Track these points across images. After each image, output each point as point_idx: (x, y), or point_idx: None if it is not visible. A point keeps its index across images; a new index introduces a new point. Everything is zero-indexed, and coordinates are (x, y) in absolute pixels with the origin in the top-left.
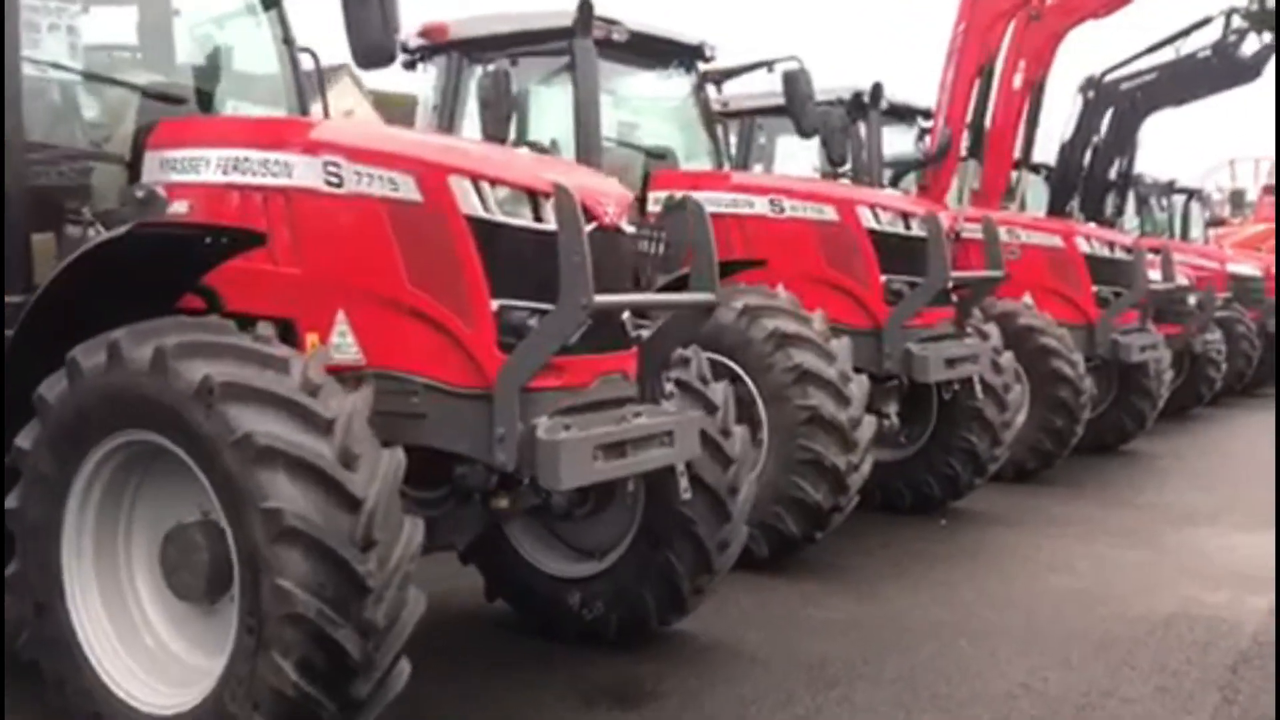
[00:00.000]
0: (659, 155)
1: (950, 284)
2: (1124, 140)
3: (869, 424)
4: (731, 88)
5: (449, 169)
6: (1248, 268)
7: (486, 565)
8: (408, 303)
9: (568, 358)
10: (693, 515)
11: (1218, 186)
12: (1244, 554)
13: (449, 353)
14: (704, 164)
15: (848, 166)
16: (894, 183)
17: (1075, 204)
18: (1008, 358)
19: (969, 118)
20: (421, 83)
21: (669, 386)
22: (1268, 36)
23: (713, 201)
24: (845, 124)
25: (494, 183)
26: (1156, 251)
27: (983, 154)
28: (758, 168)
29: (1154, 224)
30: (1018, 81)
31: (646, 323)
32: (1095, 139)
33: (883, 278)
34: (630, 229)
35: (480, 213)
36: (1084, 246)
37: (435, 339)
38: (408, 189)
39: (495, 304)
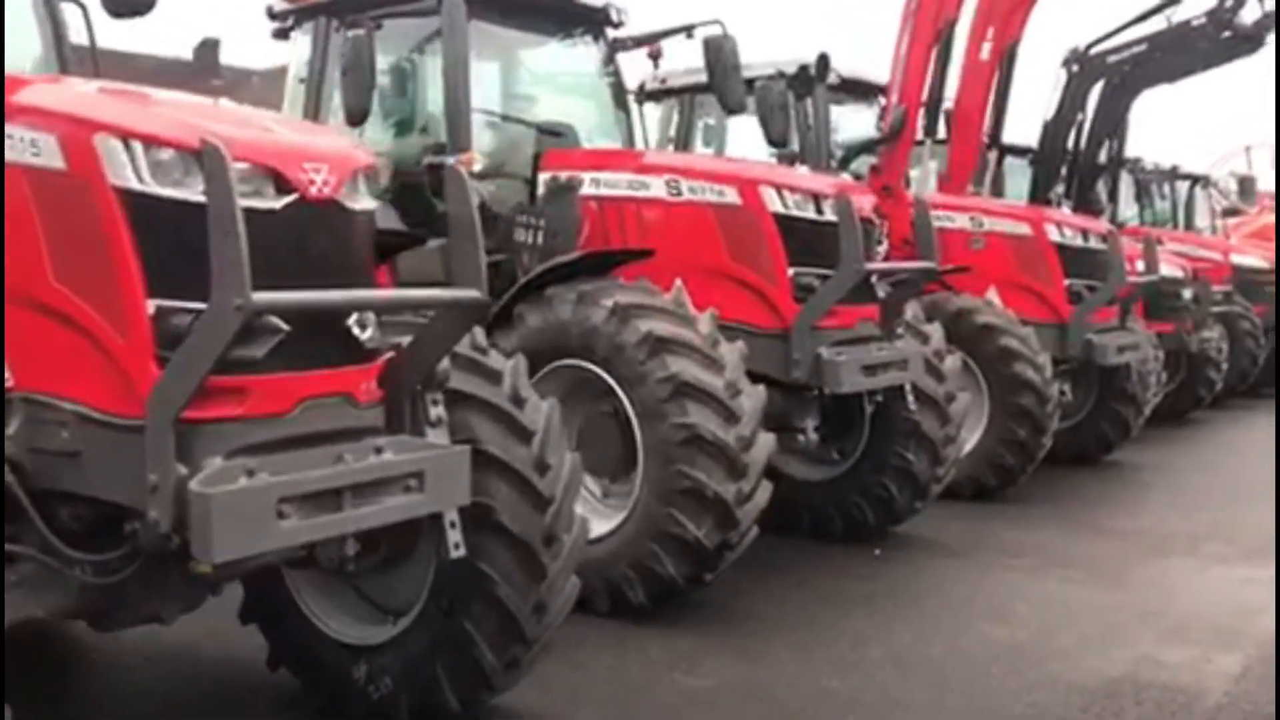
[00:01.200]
0: (554, 133)
1: (865, 276)
2: (1114, 120)
3: (764, 444)
4: (681, 62)
5: (96, 126)
6: (1253, 259)
7: (267, 626)
8: (51, 303)
9: (254, 376)
10: (492, 572)
11: (1231, 173)
12: (1220, 595)
13: (100, 369)
14: (614, 143)
15: (792, 148)
16: (844, 165)
17: (1060, 190)
18: (953, 362)
19: (926, 92)
20: (292, 54)
21: (435, 411)
22: (1270, 3)
23: (610, 183)
24: (784, 100)
25: (150, 142)
26: (1154, 243)
27: (941, 133)
28: (706, 151)
29: (1154, 212)
30: (985, 52)
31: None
32: (1080, 118)
33: (791, 271)
34: (363, 205)
35: (133, 183)
36: (1054, 235)
37: (84, 351)
38: (50, 153)
39: (152, 305)
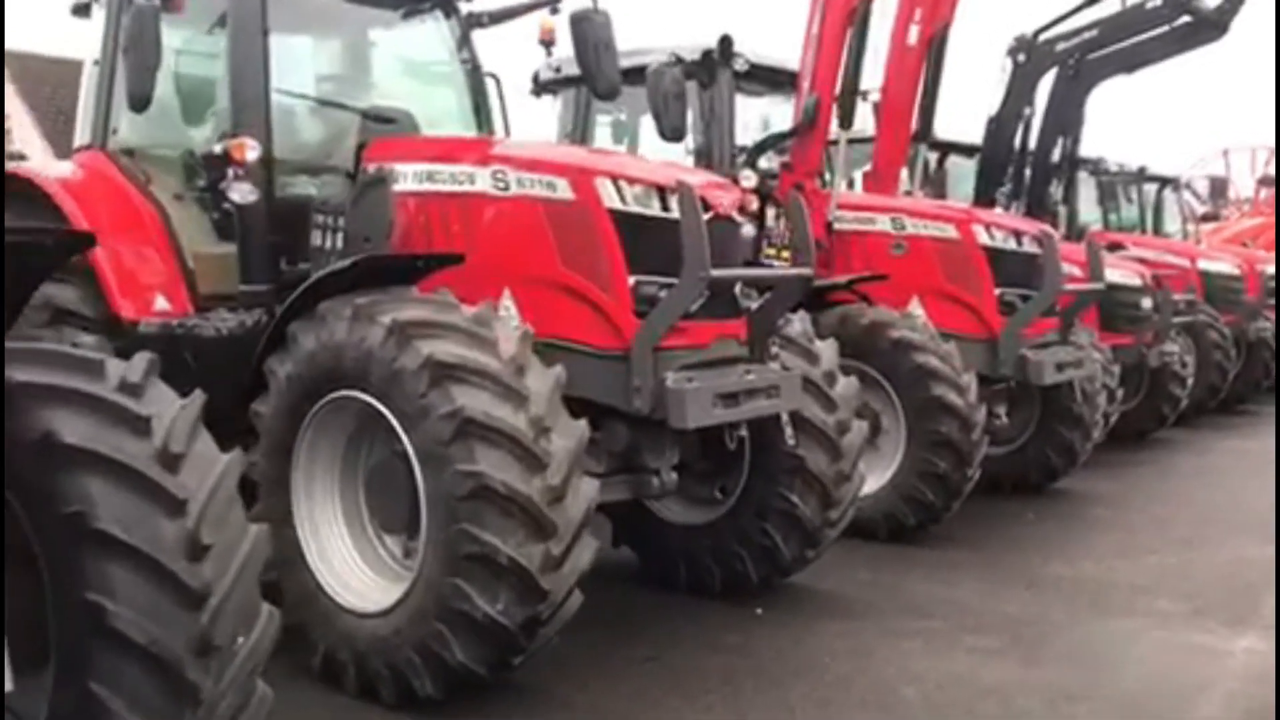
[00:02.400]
0: (385, 120)
1: (728, 285)
2: (1068, 115)
3: (583, 495)
4: None
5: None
6: (1223, 265)
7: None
8: None
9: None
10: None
11: (1204, 176)
12: (1155, 670)
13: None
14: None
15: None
16: (751, 162)
17: (1006, 191)
18: (848, 386)
19: (840, 80)
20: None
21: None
22: None
23: (433, 177)
24: (680, 89)
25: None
26: (1115, 247)
27: (852, 124)
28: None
29: (1119, 217)
30: (913, 36)
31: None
32: (1028, 112)
33: (632, 279)
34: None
35: None
36: (983, 238)
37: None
38: None
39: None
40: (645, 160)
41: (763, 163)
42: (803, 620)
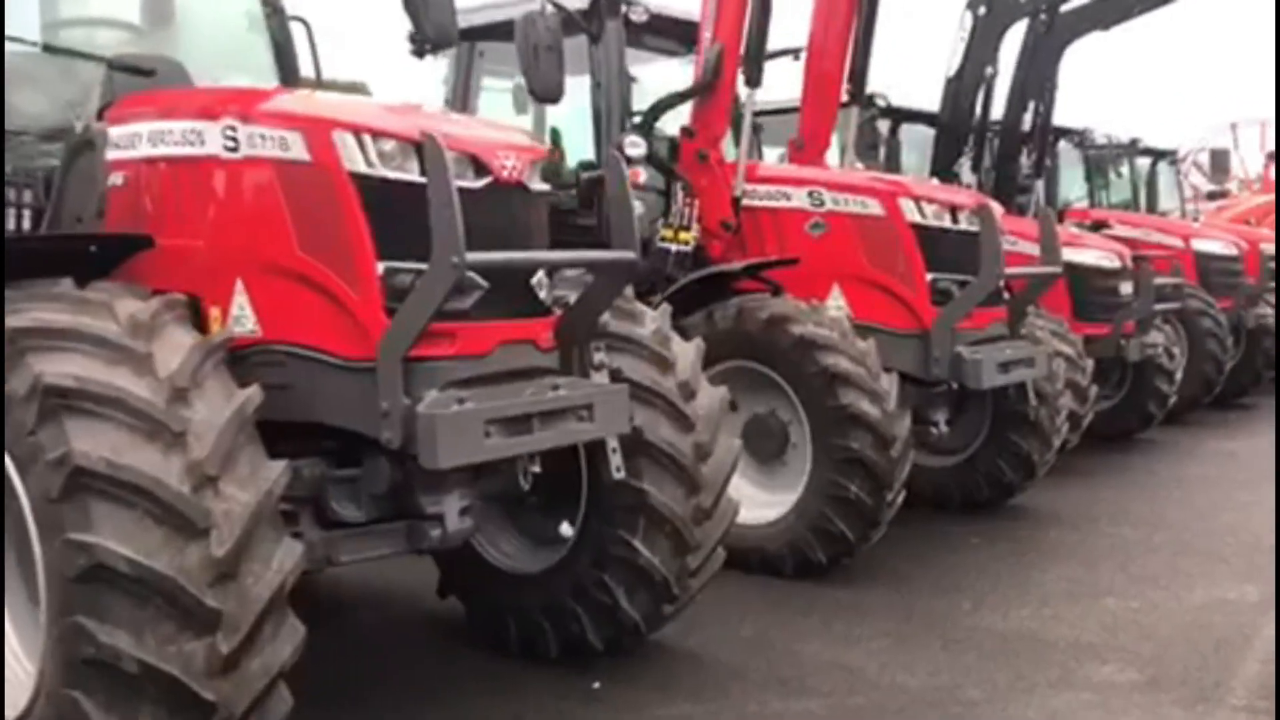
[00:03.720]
0: (140, 71)
1: (462, 270)
2: (1040, 77)
3: (274, 572)
4: None
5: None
6: (1219, 245)
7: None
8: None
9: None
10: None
11: (1204, 149)
12: None
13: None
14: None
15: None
16: (645, 127)
17: (966, 163)
18: (710, 400)
19: (747, 28)
20: None
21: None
22: None
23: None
24: (553, 39)
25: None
26: (1099, 226)
27: (760, 81)
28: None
29: (1107, 193)
30: None
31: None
32: (990, 72)
33: (381, 265)
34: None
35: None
36: (912, 214)
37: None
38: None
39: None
40: (413, 109)
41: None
42: (647, 699)
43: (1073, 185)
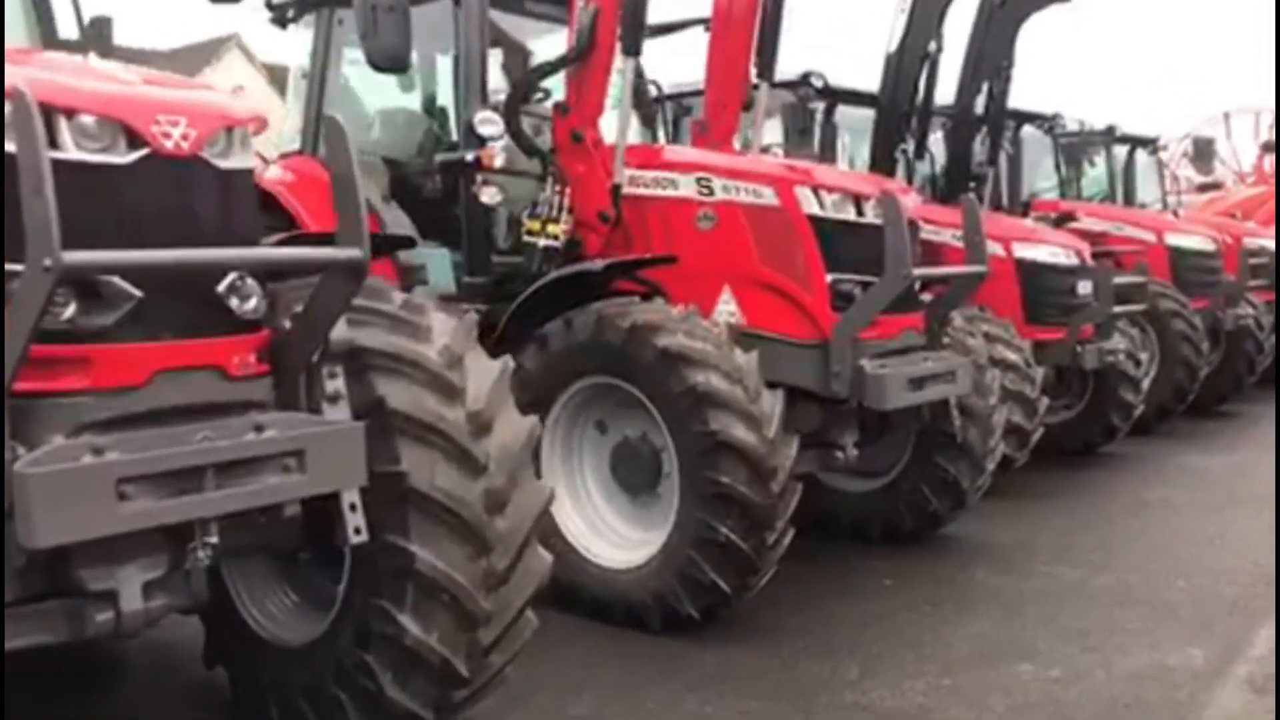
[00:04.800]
0: None
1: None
2: (995, 55)
3: None
4: None
5: None
6: (1195, 240)
7: None
8: None
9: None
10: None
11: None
12: None
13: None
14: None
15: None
16: (513, 106)
17: (909, 148)
18: (511, 436)
19: None
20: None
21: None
22: None
23: None
24: (397, 2)
25: None
26: (1065, 219)
27: (639, 49)
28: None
29: (1078, 184)
30: None
31: None
32: (933, 47)
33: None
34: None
35: None
36: (810, 204)
37: None
38: None
39: None
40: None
41: None
42: None
43: (1045, 176)
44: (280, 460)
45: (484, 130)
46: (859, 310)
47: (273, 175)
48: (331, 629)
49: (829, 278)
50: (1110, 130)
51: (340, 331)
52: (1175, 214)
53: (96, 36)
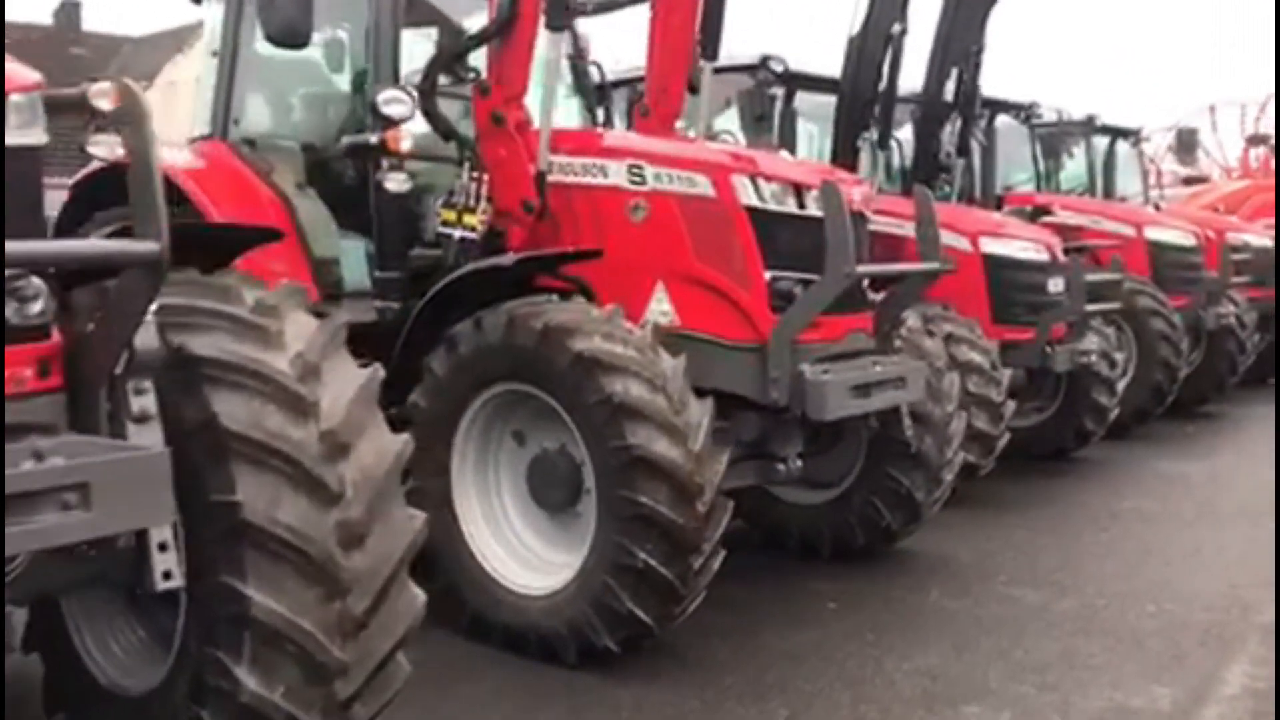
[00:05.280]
0: None
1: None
2: (964, 39)
3: None
4: None
5: None
6: (1176, 234)
7: None
8: None
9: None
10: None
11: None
12: None
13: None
14: None
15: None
16: (428, 83)
17: (872, 136)
18: (372, 459)
19: None
20: None
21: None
22: None
23: None
24: None
25: None
26: (1040, 212)
27: (562, 25)
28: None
29: (1056, 177)
30: None
31: None
32: (897, 29)
33: None
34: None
35: None
36: (748, 195)
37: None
38: None
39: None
40: None
41: None
42: None
43: (1022, 168)
44: (59, 495)
45: (389, 110)
46: (798, 311)
47: (181, 161)
48: (168, 678)
49: (768, 275)
50: (1090, 120)
51: (148, 339)
52: (1157, 208)
53: (66, 22)
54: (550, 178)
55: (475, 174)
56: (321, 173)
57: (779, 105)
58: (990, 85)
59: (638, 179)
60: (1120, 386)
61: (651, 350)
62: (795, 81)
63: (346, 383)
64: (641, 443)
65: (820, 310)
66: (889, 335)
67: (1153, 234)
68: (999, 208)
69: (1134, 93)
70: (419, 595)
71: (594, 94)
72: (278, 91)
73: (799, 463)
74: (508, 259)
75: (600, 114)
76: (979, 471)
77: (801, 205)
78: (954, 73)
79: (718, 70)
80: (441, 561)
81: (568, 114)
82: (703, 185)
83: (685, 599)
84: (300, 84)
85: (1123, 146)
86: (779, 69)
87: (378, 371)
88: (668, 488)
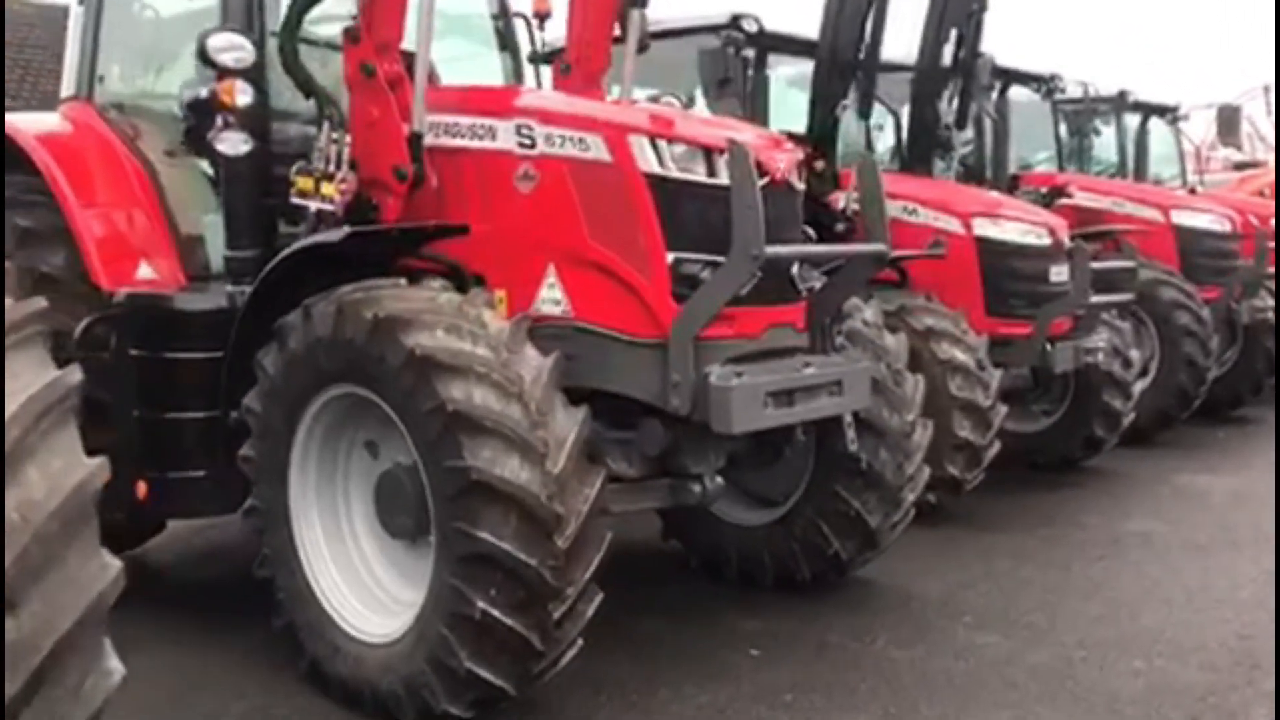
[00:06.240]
0: None
1: None
2: (960, 6)
3: None
4: None
5: None
6: (1208, 219)
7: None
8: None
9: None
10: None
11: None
12: None
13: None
14: None
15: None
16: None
17: (849, 103)
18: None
19: None
20: None
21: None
22: None
23: None
24: None
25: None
26: (1056, 193)
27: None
28: None
29: (1081, 155)
30: None
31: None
32: None
33: None
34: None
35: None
36: (648, 162)
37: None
38: None
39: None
40: None
41: None
42: None
43: (1043, 146)
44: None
45: (222, 58)
46: (700, 300)
47: (42, 127)
48: None
49: (670, 257)
50: (1121, 96)
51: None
52: (1193, 191)
53: None
54: (433, 140)
55: (334, 134)
56: (202, 140)
57: (750, 69)
58: (1006, 54)
59: (527, 141)
60: (1138, 388)
61: (509, 348)
62: (766, 41)
63: (20, 389)
64: (482, 464)
65: (727, 299)
66: (827, 331)
67: (1181, 219)
68: (1013, 189)
69: (1174, 69)
70: (114, 672)
71: (521, 52)
72: (153, 47)
73: (718, 481)
74: (335, 234)
75: (533, 74)
76: (964, 487)
77: (712, 173)
78: (952, 35)
79: (684, 31)
80: (278, 594)
81: (490, 73)
82: (596, 148)
83: (545, 655)
84: (183, 40)
85: (1159, 126)
86: (752, 28)
87: (72, 374)
88: (516, 519)
